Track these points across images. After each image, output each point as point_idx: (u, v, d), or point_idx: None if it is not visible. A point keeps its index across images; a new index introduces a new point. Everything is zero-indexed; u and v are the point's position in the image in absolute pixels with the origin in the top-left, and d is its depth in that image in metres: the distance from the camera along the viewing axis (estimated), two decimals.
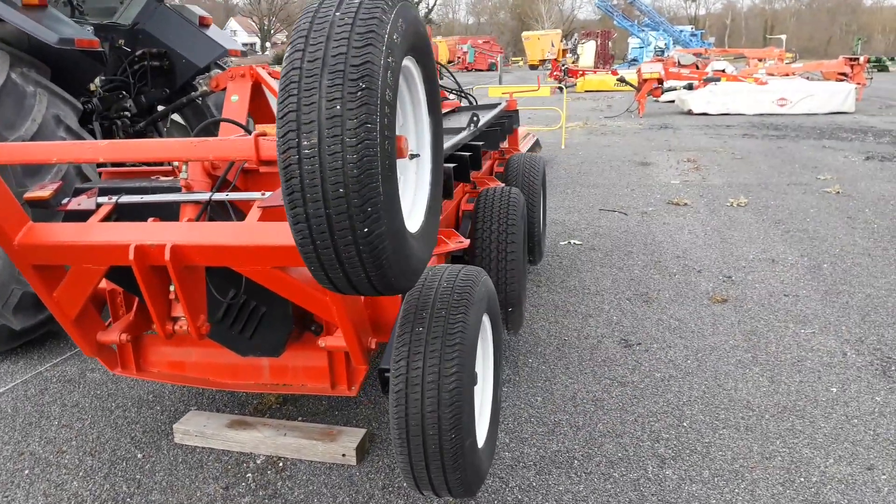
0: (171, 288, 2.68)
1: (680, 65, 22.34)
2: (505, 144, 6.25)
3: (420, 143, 2.27)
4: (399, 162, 2.21)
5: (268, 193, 2.66)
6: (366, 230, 1.71)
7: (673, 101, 20.48)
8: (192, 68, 5.64)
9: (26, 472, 3.16)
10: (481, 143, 4.25)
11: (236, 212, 2.94)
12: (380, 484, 2.97)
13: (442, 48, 53.88)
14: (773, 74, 21.49)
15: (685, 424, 3.38)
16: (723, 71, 21.61)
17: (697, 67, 22.66)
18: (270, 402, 3.65)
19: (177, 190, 2.80)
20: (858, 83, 20.05)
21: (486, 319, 2.78)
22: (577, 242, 6.59)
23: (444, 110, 6.11)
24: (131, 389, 3.88)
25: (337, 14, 1.72)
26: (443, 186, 3.46)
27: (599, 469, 3.04)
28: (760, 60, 27.86)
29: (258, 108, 4.55)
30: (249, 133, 2.55)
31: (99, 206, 2.77)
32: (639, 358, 4.10)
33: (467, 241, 3.40)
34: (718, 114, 18.19)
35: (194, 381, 3.30)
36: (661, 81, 18.52)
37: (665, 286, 5.31)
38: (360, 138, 1.63)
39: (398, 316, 2.49)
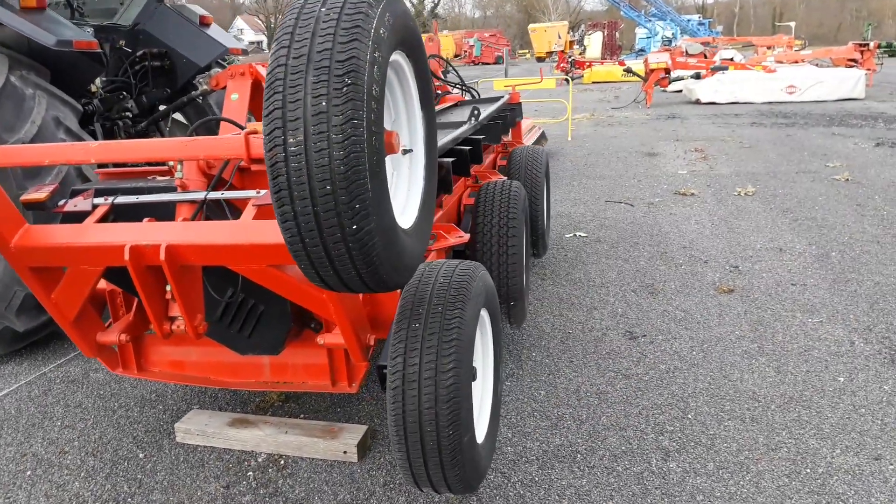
0: (168, 288, 2.67)
1: (688, 54, 22.17)
2: (508, 138, 6.22)
3: (413, 139, 2.25)
4: (391, 158, 2.21)
5: (263, 191, 2.65)
6: (354, 227, 1.69)
7: (680, 91, 20.34)
8: (193, 67, 5.64)
9: (28, 473, 3.16)
10: (482, 136, 4.22)
11: (233, 210, 2.93)
12: (381, 481, 2.95)
13: (448, 42, 53.81)
14: (781, 62, 21.30)
15: (690, 416, 3.35)
16: (731, 59, 21.44)
17: (705, 56, 22.48)
18: (273, 400, 3.65)
19: (172, 190, 2.79)
20: (868, 69, 19.86)
21: (484, 314, 2.76)
22: (583, 234, 6.56)
23: (446, 104, 6.08)
24: (134, 389, 3.89)
25: (322, 9, 1.70)
26: (441, 181, 3.47)
27: (603, 463, 3.02)
28: (769, 48, 27.63)
29: (258, 106, 4.50)
30: None
31: (95, 207, 2.76)
32: (644, 350, 4.06)
33: (467, 236, 3.38)
34: (727, 102, 18.05)
35: (195, 381, 3.30)
36: (668, 71, 18.40)
37: (671, 277, 5.26)
38: (347, 134, 1.61)
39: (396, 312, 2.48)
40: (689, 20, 47.61)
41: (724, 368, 3.79)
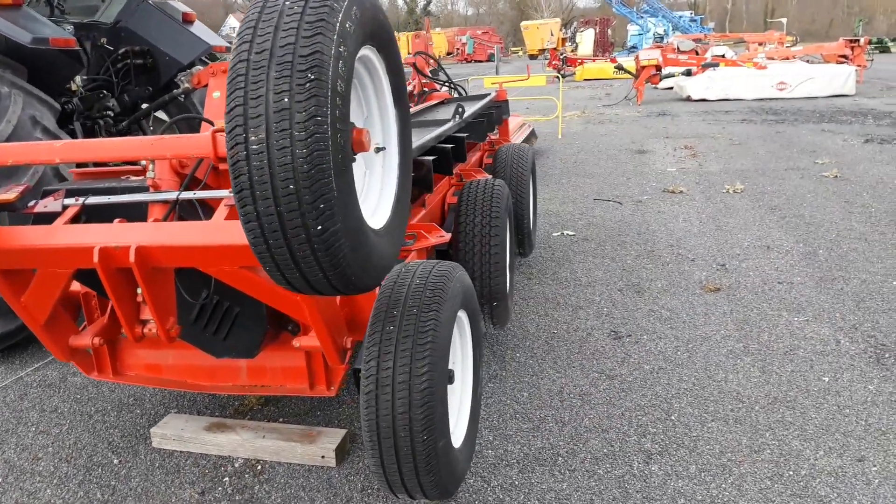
0: (139, 290, 2.62)
1: (679, 51, 22.16)
2: (496, 135, 6.18)
3: (386, 136, 2.20)
4: (364, 156, 2.16)
5: None
6: (319, 228, 1.64)
7: (671, 88, 20.34)
8: (175, 65, 5.57)
9: None
10: (465, 134, 4.18)
11: (208, 210, 2.88)
12: (359, 486, 2.91)
13: (441, 40, 53.78)
14: (773, 58, 21.31)
15: (673, 418, 3.31)
16: (722, 56, 21.49)
17: (697, 53, 22.49)
18: (252, 404, 3.60)
19: (145, 190, 2.73)
20: (859, 65, 19.90)
21: (463, 316, 2.72)
22: (571, 233, 6.52)
23: (433, 102, 6.04)
24: (112, 393, 3.83)
25: (286, 3, 1.65)
26: (422, 179, 3.42)
27: (584, 466, 2.98)
28: (761, 44, 27.67)
29: None
30: None
31: (65, 208, 2.70)
32: (628, 350, 4.03)
33: (448, 235, 3.34)
34: (717, 99, 18.06)
35: (172, 384, 3.25)
36: (659, 68, 18.40)
37: (657, 276, 5.23)
38: (310, 132, 1.57)
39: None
40: (680, 17, 47.64)
41: (708, 368, 3.76)
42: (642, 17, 45.87)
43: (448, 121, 4.25)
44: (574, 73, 28.59)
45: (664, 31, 41.88)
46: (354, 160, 1.98)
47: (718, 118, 14.69)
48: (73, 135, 4.70)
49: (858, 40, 21.25)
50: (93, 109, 5.04)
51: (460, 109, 4.34)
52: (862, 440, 3.05)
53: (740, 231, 6.31)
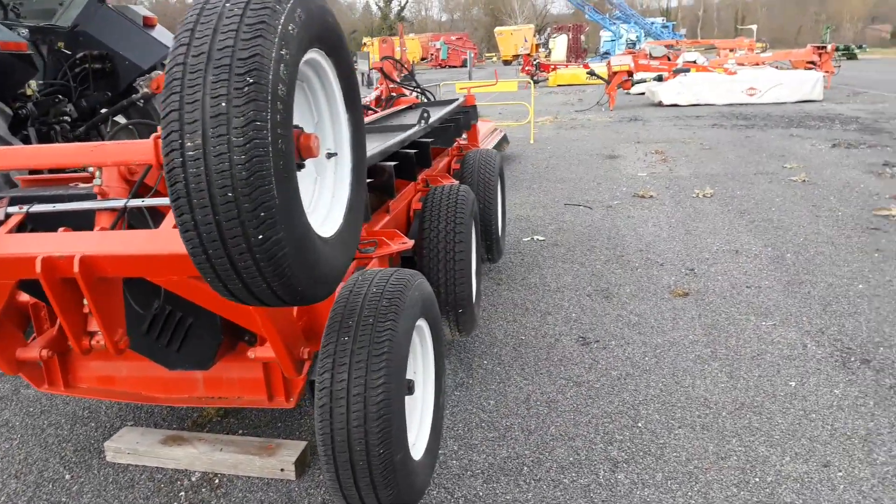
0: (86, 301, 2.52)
1: (651, 57, 22.33)
2: (464, 140, 6.13)
3: (338, 142, 2.14)
4: (314, 162, 2.09)
5: None
6: (260, 237, 1.57)
7: (643, 94, 20.47)
8: (135, 70, 5.46)
9: None
10: (430, 140, 4.12)
11: (161, 218, 2.79)
12: (319, 500, 2.82)
13: (415, 45, 53.75)
14: (743, 64, 21.55)
15: (640, 425, 3.27)
16: (693, 62, 21.68)
17: (669, 59, 22.67)
18: (211, 415, 3.50)
19: (93, 197, 2.64)
20: (826, 71, 20.21)
21: (423, 325, 2.66)
22: (541, 238, 6.49)
23: (400, 107, 5.98)
24: (66, 406, 3.71)
25: (227, 5, 1.59)
26: (383, 185, 3.36)
27: (549, 475, 2.92)
28: (731, 51, 27.99)
29: None
30: None
31: (8, 216, 2.60)
32: (596, 356, 3.99)
33: (411, 242, 3.27)
34: (688, 105, 18.21)
35: (125, 397, 3.14)
36: (630, 74, 18.50)
37: (626, 281, 5.21)
38: (248, 137, 1.50)
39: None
40: (652, 23, 48.10)
41: (676, 374, 3.73)
42: (615, 24, 46.23)
43: (413, 126, 4.20)
44: (547, 79, 28.70)
45: (636, 37, 42.24)
46: (304, 166, 1.92)
47: (689, 123, 14.80)
48: (26, 140, 4.57)
49: (826, 47, 21.59)
50: (49, 115, 4.90)
51: (426, 115, 4.29)
52: (827, 445, 3.03)
53: (709, 235, 6.32)
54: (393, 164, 3.34)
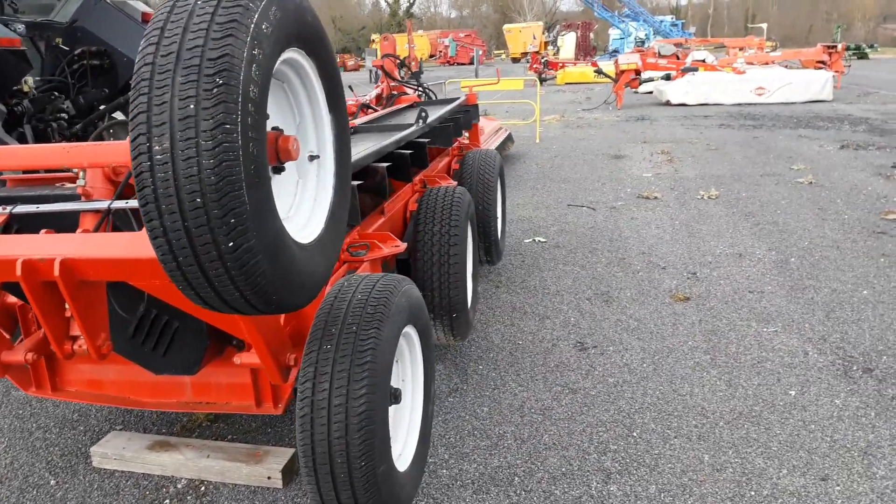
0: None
1: (660, 55, 22.19)
2: (466, 140, 6.07)
3: (321, 144, 2.08)
4: (296, 165, 2.03)
5: None
6: (231, 245, 1.52)
7: (651, 93, 20.35)
8: (134, 66, 5.40)
9: None
10: (427, 140, 4.06)
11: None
12: None
13: (423, 42, 53.67)
14: (752, 63, 21.39)
15: (635, 434, 3.20)
16: (702, 61, 21.49)
17: (678, 58, 22.52)
18: (200, 420, 3.45)
19: (76, 198, 2.59)
20: (836, 71, 20.02)
21: (411, 331, 2.60)
22: (542, 240, 6.42)
23: (401, 106, 5.92)
24: (56, 408, 3.67)
25: (198, 3, 1.53)
26: (377, 187, 3.30)
27: (541, 486, 2.86)
28: (741, 49, 27.79)
29: None
30: None
31: None
32: (593, 362, 3.92)
33: (404, 245, 3.21)
34: (697, 104, 18.08)
35: (113, 401, 3.10)
36: (638, 72, 18.38)
37: (627, 284, 5.14)
38: (218, 141, 1.45)
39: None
40: (661, 21, 47.86)
41: (673, 382, 3.66)
42: (624, 22, 46.04)
43: (411, 125, 4.14)
44: (555, 77, 28.59)
45: (645, 35, 42.05)
46: (283, 169, 1.87)
47: (697, 123, 14.68)
48: (22, 137, 4.53)
49: (836, 46, 21.39)
50: (45, 111, 4.86)
51: (423, 114, 4.23)
52: (826, 458, 2.95)
53: (713, 238, 6.24)
54: (386, 164, 3.28)
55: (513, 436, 3.24)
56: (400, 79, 6.42)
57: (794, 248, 5.82)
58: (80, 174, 2.55)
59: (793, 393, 3.50)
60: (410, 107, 5.83)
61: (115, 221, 2.54)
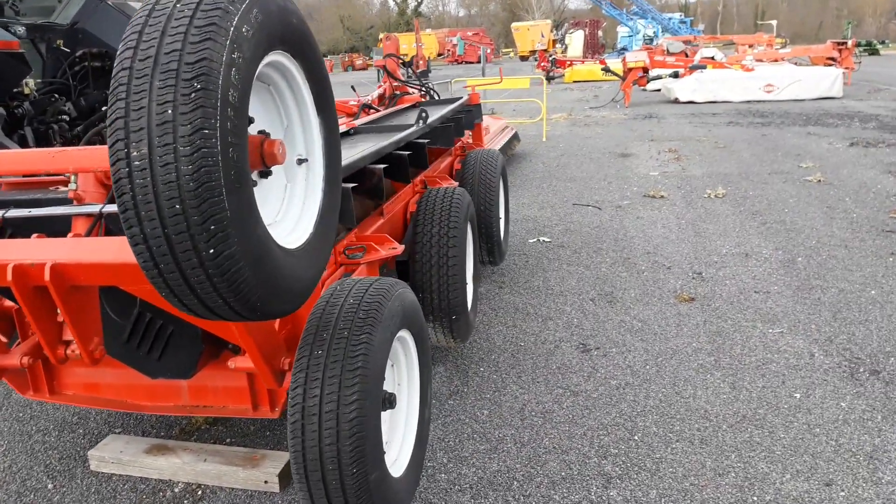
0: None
1: (668, 52, 22.08)
2: (469, 140, 6.03)
3: (309, 147, 2.05)
4: (284, 169, 2.00)
5: None
6: (212, 251, 1.49)
7: (659, 90, 20.24)
8: None
9: None
10: (426, 140, 4.03)
11: None
12: None
13: (431, 41, 53.66)
14: (761, 60, 21.24)
15: (636, 438, 3.16)
16: (711, 58, 21.35)
17: (687, 55, 22.39)
18: (199, 423, 3.44)
19: (68, 202, 2.57)
20: (846, 67, 19.87)
21: (406, 335, 2.57)
22: (547, 240, 6.37)
23: (403, 106, 5.89)
24: (56, 411, 3.66)
25: (177, 6, 1.51)
26: (373, 189, 3.27)
27: (539, 491, 2.82)
28: (750, 46, 27.61)
29: None
30: None
31: None
32: (595, 364, 3.88)
33: (401, 247, 3.18)
34: (705, 101, 17.96)
35: (111, 404, 3.09)
36: (646, 70, 18.28)
37: (631, 285, 5.09)
38: (196, 146, 1.42)
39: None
40: (670, 18, 47.64)
41: (677, 384, 3.61)
42: (632, 19, 45.84)
43: (411, 126, 4.11)
44: (563, 75, 28.49)
45: (654, 32, 41.85)
46: (270, 173, 1.84)
47: (705, 121, 14.59)
48: (23, 140, 4.53)
49: (846, 43, 21.21)
50: (46, 114, 4.86)
51: (423, 114, 4.19)
52: (831, 462, 2.90)
53: (719, 237, 6.18)
54: (383, 166, 3.25)
55: (513, 439, 3.20)
56: (402, 78, 6.38)
57: (802, 248, 5.76)
58: (72, 178, 2.53)
59: (798, 395, 3.44)
60: (413, 107, 5.79)
61: (108, 225, 2.52)
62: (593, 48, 45.38)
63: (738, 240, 6.08)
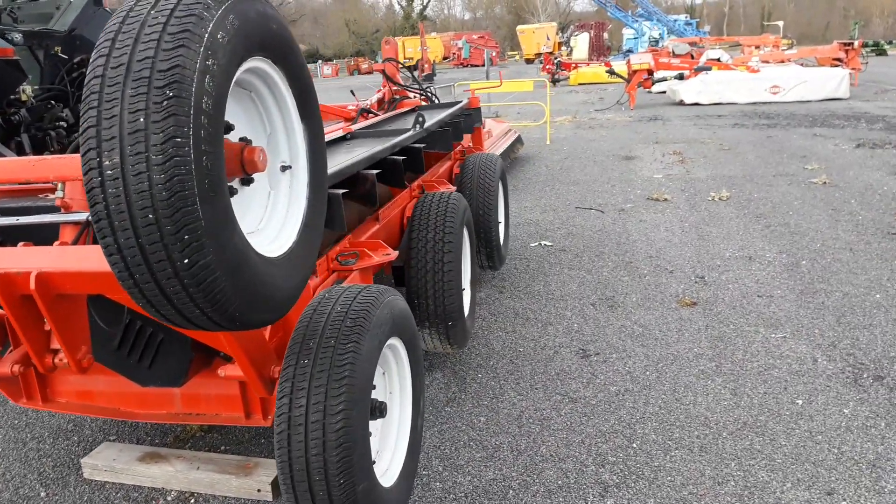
0: None
1: (674, 54, 21.98)
2: (470, 143, 6.00)
3: (293, 154, 2.02)
4: (267, 176, 1.97)
5: None
6: (186, 261, 1.46)
7: (665, 92, 20.17)
8: None
9: None
10: (422, 145, 3.99)
11: None
12: None
13: (436, 44, 53.69)
14: (767, 62, 21.14)
15: (635, 445, 3.12)
16: (717, 60, 21.27)
17: (692, 57, 22.30)
18: (194, 430, 3.41)
19: (55, 210, 2.55)
20: (853, 68, 19.74)
21: (397, 343, 2.53)
22: (548, 244, 6.33)
23: (402, 110, 5.86)
24: (52, 418, 3.65)
25: (151, 12, 1.48)
26: (366, 194, 3.24)
27: (535, 500, 2.78)
28: (756, 48, 27.49)
29: None
30: None
31: None
32: (595, 370, 3.83)
33: (395, 253, 3.15)
34: (710, 103, 17.89)
35: (103, 412, 3.06)
36: (650, 72, 18.22)
37: (633, 289, 5.04)
38: (168, 155, 1.39)
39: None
40: (675, 20, 47.48)
41: (677, 390, 3.56)
42: (637, 21, 45.74)
43: (408, 130, 4.08)
44: (568, 78, 28.44)
45: (659, 34, 41.74)
46: (252, 181, 1.81)
47: (710, 123, 14.51)
48: (20, 147, 4.52)
49: (853, 43, 21.09)
50: (44, 120, 4.85)
51: (420, 119, 4.16)
52: (833, 470, 2.85)
53: (722, 241, 6.12)
54: (376, 171, 3.21)
55: (509, 447, 3.16)
56: (402, 83, 6.35)
57: (806, 251, 5.69)
58: (59, 186, 2.51)
59: (800, 402, 3.39)
60: (411, 111, 5.76)
61: (95, 233, 2.50)
62: (598, 50, 45.32)
63: (742, 243, 6.02)
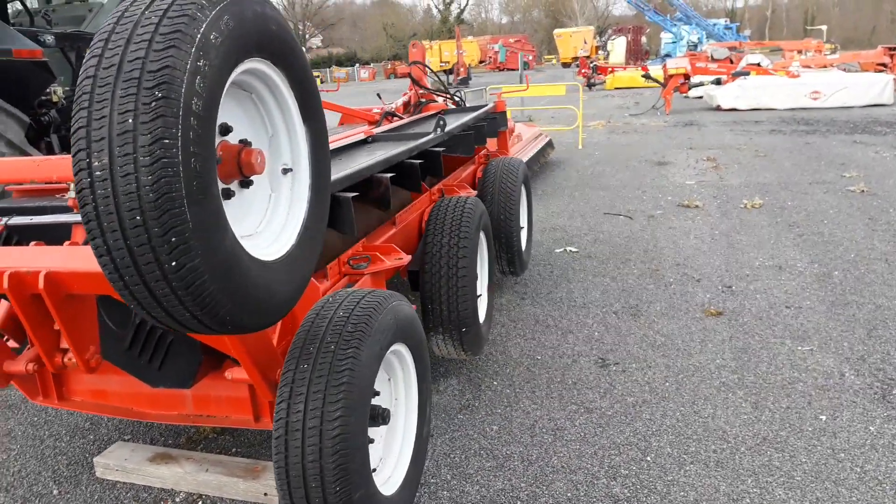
0: None
1: (713, 59, 21.67)
2: (494, 148, 5.95)
3: (295, 156, 2.00)
4: (268, 178, 1.96)
5: None
6: (174, 264, 1.45)
7: (702, 97, 19.86)
8: None
9: None
10: (442, 148, 3.96)
11: None
12: None
13: (473, 48, 53.68)
14: (809, 67, 20.72)
15: (649, 458, 3.04)
16: (757, 64, 20.92)
17: (731, 61, 21.95)
18: (206, 432, 3.42)
19: (68, 210, 2.58)
20: None
21: (402, 349, 2.50)
22: (574, 250, 6.25)
23: (428, 113, 5.84)
24: (70, 416, 3.69)
25: (145, 13, 1.48)
26: (380, 198, 3.22)
27: None
28: (798, 52, 26.97)
29: None
30: None
31: None
32: (613, 380, 3.76)
33: (408, 258, 3.12)
34: (748, 109, 17.54)
35: (117, 412, 3.09)
36: (687, 77, 17.96)
37: (658, 297, 4.94)
38: (156, 157, 1.39)
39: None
40: (714, 24, 46.76)
41: (696, 403, 3.48)
42: (676, 25, 45.19)
43: (427, 134, 4.05)
44: (604, 82, 28.20)
45: (698, 38, 41.17)
46: (251, 183, 1.80)
47: (747, 128, 14.24)
48: (49, 147, 4.60)
49: None
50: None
51: (441, 122, 4.14)
52: (854, 490, 2.74)
53: (753, 249, 5.98)
54: (390, 175, 3.19)
55: (520, 457, 3.11)
56: (428, 86, 6.34)
57: (839, 261, 5.53)
58: (71, 185, 2.54)
59: (823, 418, 3.28)
60: (436, 115, 5.74)
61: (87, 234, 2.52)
62: (636, 55, 44.88)
63: (773, 252, 5.87)
